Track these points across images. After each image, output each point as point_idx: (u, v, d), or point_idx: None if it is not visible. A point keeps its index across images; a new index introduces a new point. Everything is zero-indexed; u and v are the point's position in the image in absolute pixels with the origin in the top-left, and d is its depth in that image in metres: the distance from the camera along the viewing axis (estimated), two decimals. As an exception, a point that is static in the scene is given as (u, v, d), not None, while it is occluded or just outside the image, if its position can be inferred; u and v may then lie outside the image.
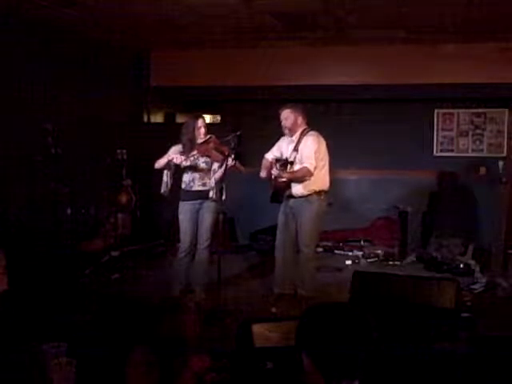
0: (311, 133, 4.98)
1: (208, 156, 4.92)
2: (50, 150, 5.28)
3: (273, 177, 4.94)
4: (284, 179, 4.85)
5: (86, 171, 5.95)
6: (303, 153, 4.85)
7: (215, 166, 4.93)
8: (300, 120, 4.97)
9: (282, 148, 5.08)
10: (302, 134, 4.96)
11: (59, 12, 5.39)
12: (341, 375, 1.60)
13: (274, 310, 4.64)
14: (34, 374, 2.63)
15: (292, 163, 4.82)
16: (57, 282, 4.95)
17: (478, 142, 7.47)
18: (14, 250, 4.67)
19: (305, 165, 4.82)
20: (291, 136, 5.00)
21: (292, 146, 4.96)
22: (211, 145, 4.86)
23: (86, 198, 6.08)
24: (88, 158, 6.07)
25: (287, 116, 4.95)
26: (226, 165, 4.72)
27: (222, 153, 4.82)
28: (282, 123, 4.98)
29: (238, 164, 4.77)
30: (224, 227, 4.97)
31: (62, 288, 4.88)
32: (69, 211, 5.64)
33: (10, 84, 5.35)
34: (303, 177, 4.84)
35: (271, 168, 4.98)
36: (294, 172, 4.85)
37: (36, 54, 5.66)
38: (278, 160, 4.92)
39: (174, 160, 4.84)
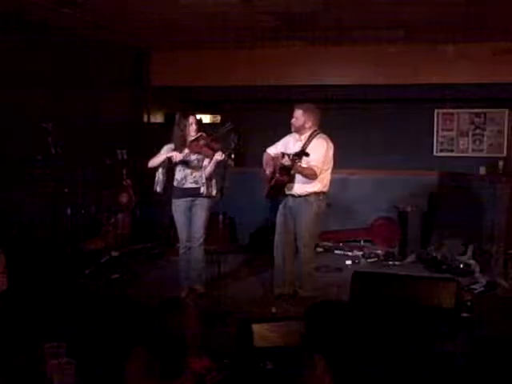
0: (321, 135, 4.98)
1: (199, 153, 4.98)
2: (49, 149, 5.28)
3: (278, 168, 4.88)
4: (292, 171, 4.81)
5: (86, 171, 5.94)
6: (312, 155, 4.82)
7: (206, 162, 5.00)
8: (308, 124, 4.96)
9: (289, 145, 5.06)
10: (312, 136, 4.95)
11: (59, 12, 5.39)
12: (354, 376, 1.55)
13: (274, 309, 4.64)
14: (34, 374, 2.63)
15: (308, 155, 4.67)
16: (57, 282, 4.95)
17: (477, 142, 7.47)
18: (14, 250, 4.67)
19: (312, 167, 4.80)
20: (300, 135, 5.00)
21: (299, 145, 4.94)
22: (202, 142, 4.94)
23: (86, 197, 6.07)
24: (88, 157, 6.06)
25: (298, 117, 4.97)
26: (216, 160, 4.83)
27: (212, 149, 4.90)
28: (292, 120, 5.00)
29: (227, 158, 4.73)
30: (224, 227, 4.97)
31: (61, 288, 4.88)
32: (69, 211, 5.64)
33: (10, 84, 5.35)
34: (307, 176, 4.84)
35: (276, 162, 4.96)
36: (302, 168, 4.81)
37: (36, 53, 5.65)
38: (287, 154, 4.87)
39: (174, 158, 4.91)
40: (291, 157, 4.72)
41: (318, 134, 4.98)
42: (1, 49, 5.29)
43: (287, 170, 4.83)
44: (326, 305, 1.72)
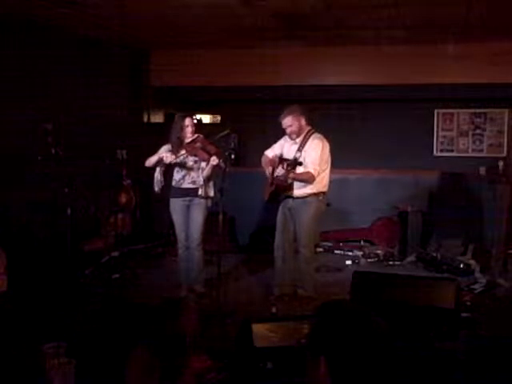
0: (316, 135, 4.95)
1: (195, 155, 5.00)
2: (50, 149, 5.28)
3: (275, 175, 4.91)
4: (289, 180, 4.81)
5: (86, 171, 5.94)
6: (308, 157, 4.79)
7: (203, 164, 5.01)
8: (303, 122, 4.94)
9: (285, 147, 5.05)
10: (306, 137, 4.92)
11: (59, 12, 5.39)
12: (354, 377, 1.51)
13: (274, 310, 4.63)
14: (34, 374, 2.63)
15: (301, 164, 4.69)
16: (57, 283, 4.96)
17: (477, 142, 7.47)
18: (15, 251, 4.68)
19: (309, 170, 4.78)
20: (296, 139, 4.98)
21: (295, 147, 4.93)
22: (198, 144, 4.96)
23: (86, 198, 6.07)
24: (88, 158, 6.06)
25: (291, 123, 4.89)
26: (211, 164, 4.84)
27: (207, 152, 4.91)
28: (287, 130, 4.93)
29: (221, 163, 4.75)
30: (224, 227, 4.96)
31: (62, 288, 4.88)
32: (69, 211, 5.63)
33: (10, 84, 5.35)
34: (305, 181, 4.83)
35: (274, 166, 4.96)
36: (298, 174, 4.81)
37: (36, 53, 5.65)
38: (283, 159, 4.88)
39: (164, 159, 4.94)
40: (285, 167, 4.73)
41: (312, 133, 4.96)
42: (1, 48, 5.29)
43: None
44: (337, 305, 1.67)
